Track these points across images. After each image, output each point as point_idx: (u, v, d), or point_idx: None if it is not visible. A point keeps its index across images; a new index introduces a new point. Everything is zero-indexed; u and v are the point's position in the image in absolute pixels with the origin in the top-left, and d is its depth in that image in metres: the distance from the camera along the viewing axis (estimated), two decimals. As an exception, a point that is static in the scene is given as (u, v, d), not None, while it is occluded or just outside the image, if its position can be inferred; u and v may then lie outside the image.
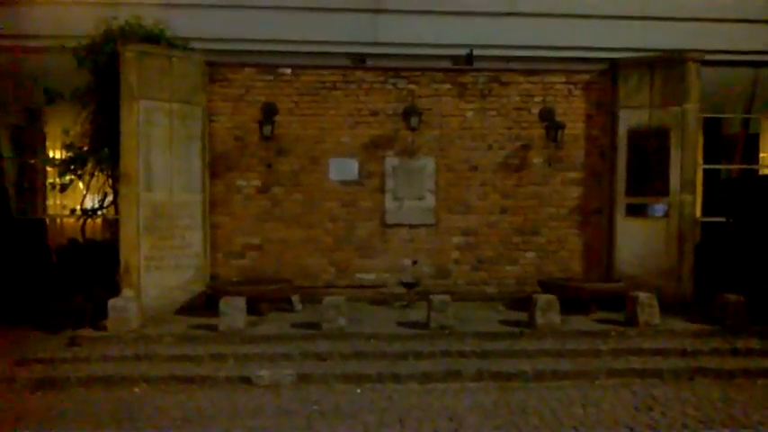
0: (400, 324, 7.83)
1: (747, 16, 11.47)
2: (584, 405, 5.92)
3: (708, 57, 10.12)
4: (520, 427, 5.35)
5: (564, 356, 7.01)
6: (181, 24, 9.24)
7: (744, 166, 12.29)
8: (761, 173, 12.09)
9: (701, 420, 5.54)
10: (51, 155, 11.73)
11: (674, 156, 8.82)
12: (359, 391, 6.32)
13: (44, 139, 12.32)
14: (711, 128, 12.95)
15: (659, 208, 8.97)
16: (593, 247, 9.42)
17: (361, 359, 6.90)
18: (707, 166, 12.73)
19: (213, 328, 7.45)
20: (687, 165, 8.81)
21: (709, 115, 12.57)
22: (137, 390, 6.33)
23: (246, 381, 6.45)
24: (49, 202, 12.34)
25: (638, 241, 9.01)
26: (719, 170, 12.63)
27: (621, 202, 9.15)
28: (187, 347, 7.08)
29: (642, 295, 7.68)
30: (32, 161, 12.03)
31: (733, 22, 11.46)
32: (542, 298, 7.58)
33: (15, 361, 6.86)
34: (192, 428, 5.34)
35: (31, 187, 12.12)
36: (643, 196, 9.01)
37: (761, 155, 12.91)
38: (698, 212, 12.27)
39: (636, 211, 9.07)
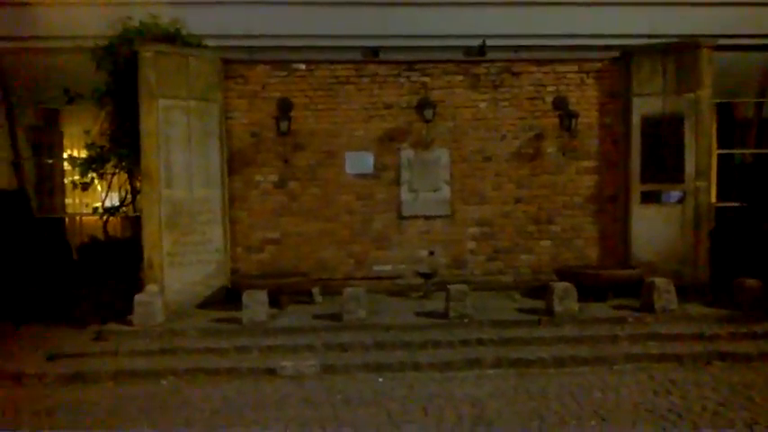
0: (418, 314, 7.95)
1: (758, 0, 11.41)
2: (604, 390, 6.02)
3: (720, 42, 10.12)
4: (541, 412, 5.46)
5: (582, 343, 7.11)
6: (195, 21, 9.29)
7: (758, 151, 12.25)
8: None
9: (721, 403, 5.62)
10: (69, 154, 11.93)
11: (689, 142, 8.84)
12: (381, 380, 6.45)
13: (62, 139, 12.53)
14: (725, 113, 12.90)
15: (675, 195, 9.01)
16: (608, 235, 9.47)
17: (382, 349, 7.03)
18: (721, 151, 12.69)
19: (236, 321, 7.60)
20: (701, 151, 8.83)
21: (722, 100, 12.54)
22: (164, 382, 6.49)
23: (271, 372, 6.60)
24: (68, 200, 12.55)
25: (654, 228, 9.06)
26: (733, 155, 12.61)
27: (636, 189, 9.19)
28: (211, 340, 7.24)
29: (659, 281, 7.74)
30: (51, 161, 12.24)
31: (745, 6, 11.41)
32: (559, 286, 7.66)
33: (46, 356, 7.04)
34: (220, 419, 5.48)
35: (51, 186, 12.33)
36: (658, 183, 9.05)
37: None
38: (712, 198, 12.31)
39: (651, 198, 9.11)
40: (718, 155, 12.69)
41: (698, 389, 6.02)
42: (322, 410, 5.63)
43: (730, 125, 13.00)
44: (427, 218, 9.46)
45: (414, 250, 9.45)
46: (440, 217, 9.46)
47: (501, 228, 9.49)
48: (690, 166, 8.84)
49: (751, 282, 7.75)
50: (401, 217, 9.43)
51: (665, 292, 7.67)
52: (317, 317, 7.86)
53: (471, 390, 6.09)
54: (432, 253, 9.37)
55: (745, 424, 5.14)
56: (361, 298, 7.60)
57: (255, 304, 7.50)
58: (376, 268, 9.43)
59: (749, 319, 7.52)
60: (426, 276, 8.96)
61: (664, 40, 9.43)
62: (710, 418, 5.28)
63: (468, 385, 6.23)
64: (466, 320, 7.50)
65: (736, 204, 10.83)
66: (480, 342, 7.11)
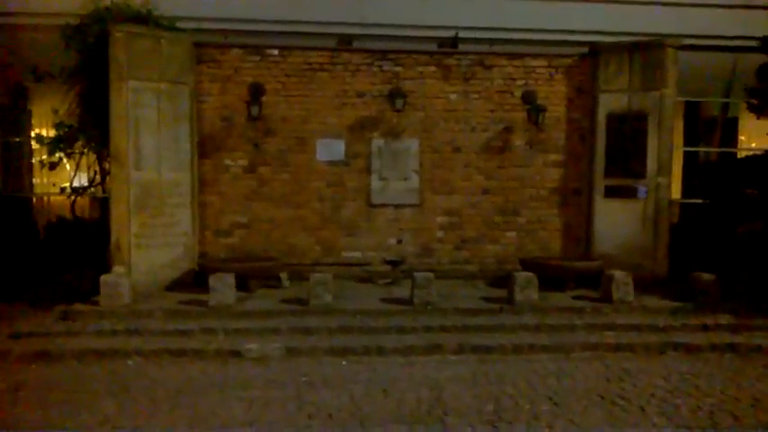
0: (385, 300, 8.10)
1: (726, 2, 11.70)
2: (559, 376, 6.22)
3: (688, 41, 10.38)
4: (497, 396, 5.64)
5: (541, 331, 7.33)
6: (168, 3, 9.26)
7: (723, 150, 12.60)
8: (739, 156, 12.41)
9: (668, 390, 5.86)
10: (37, 133, 11.77)
11: (652, 139, 9.11)
12: (344, 363, 6.58)
13: (30, 118, 12.34)
14: (691, 111, 13.24)
15: (642, 190, 9.25)
16: (572, 227, 9.73)
17: (347, 333, 7.15)
18: (687, 149, 13.04)
19: (203, 303, 7.66)
20: (663, 148, 9.10)
21: (689, 99, 12.86)
22: (130, 362, 6.53)
23: (236, 354, 6.68)
24: (36, 180, 12.38)
25: (616, 222, 9.33)
26: (698, 153, 12.96)
27: (600, 183, 9.45)
28: (178, 322, 7.30)
29: (617, 273, 8.00)
30: (18, 139, 12.05)
31: (712, 8, 11.71)
32: (521, 275, 7.87)
33: (9, 334, 7.03)
34: (185, 399, 5.55)
35: (18, 166, 12.15)
36: (621, 178, 9.29)
37: (740, 138, 13.23)
38: (678, 194, 12.65)
39: (614, 192, 9.35)
40: (685, 152, 13.05)
41: (649, 377, 6.25)
42: (285, 391, 5.74)
43: (696, 124, 13.35)
44: (396, 206, 9.60)
45: (383, 238, 9.60)
46: (409, 206, 9.61)
47: (468, 218, 9.68)
48: (652, 163, 9.11)
49: (705, 275, 8.04)
50: (371, 205, 9.56)
51: (622, 283, 7.93)
52: (283, 301, 7.96)
53: (432, 374, 6.25)
54: (400, 241, 9.53)
55: (689, 409, 5.39)
56: (327, 283, 7.71)
57: (223, 287, 7.57)
58: (345, 255, 9.55)
59: (702, 311, 7.81)
60: (394, 264, 9.11)
61: (633, 38, 9.65)
62: (657, 404, 5.51)
63: (430, 370, 6.39)
64: (430, 307, 7.68)
65: (700, 201, 11.14)
66: (443, 328, 7.28)
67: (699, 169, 12.61)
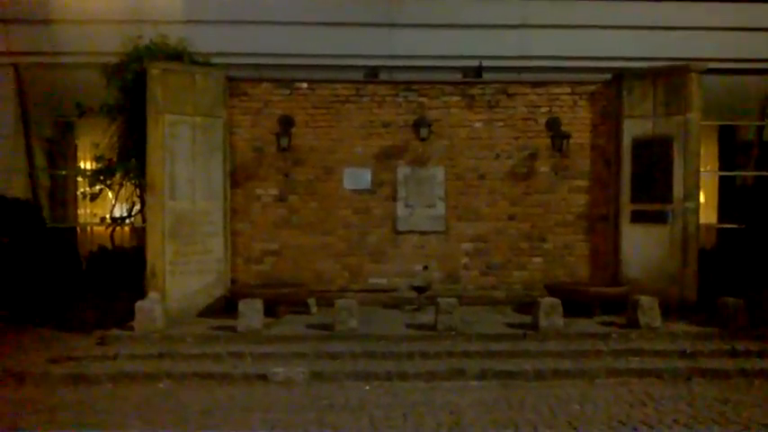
0: (409, 326, 8.20)
1: (756, 25, 11.66)
2: (582, 402, 6.22)
3: (719, 65, 10.40)
4: (516, 421, 5.68)
5: (565, 357, 7.31)
6: (202, 40, 9.73)
7: (759, 173, 12.42)
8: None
9: (693, 416, 5.81)
10: (82, 166, 12.37)
11: (677, 164, 9.05)
12: (367, 388, 6.68)
13: (75, 151, 12.98)
14: (726, 135, 13.14)
15: (667, 213, 9.20)
16: (599, 253, 9.68)
17: (371, 358, 7.27)
18: (723, 173, 12.91)
19: (232, 328, 7.88)
20: (690, 173, 9.02)
21: (723, 123, 12.78)
22: (161, 385, 6.78)
23: (263, 378, 6.87)
24: (80, 211, 12.97)
25: (643, 247, 9.26)
26: (735, 177, 12.79)
27: (626, 209, 9.41)
28: (208, 346, 7.53)
29: (644, 299, 7.94)
30: (64, 172, 12.67)
31: (744, 31, 11.68)
32: (546, 301, 7.88)
33: (49, 358, 7.37)
34: (211, 420, 5.76)
35: (64, 197, 12.76)
36: (647, 203, 9.25)
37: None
38: (714, 219, 12.50)
39: (641, 217, 9.31)
40: (720, 177, 12.90)
41: (674, 403, 6.20)
42: (307, 415, 5.88)
43: (732, 148, 13.21)
44: (422, 233, 9.73)
45: (409, 264, 9.71)
46: (434, 232, 9.73)
47: (494, 244, 9.73)
48: (678, 187, 9.04)
49: (733, 300, 7.92)
50: (397, 232, 9.71)
51: (649, 309, 7.86)
52: (310, 326, 8.14)
53: (453, 399, 6.31)
54: (426, 267, 9.62)
55: (711, 436, 5.35)
56: (353, 309, 7.86)
57: (251, 312, 7.79)
58: (371, 281, 9.70)
59: (730, 336, 7.69)
60: (419, 290, 9.21)
61: (662, 63, 9.66)
62: (680, 430, 5.48)
63: (452, 395, 6.45)
64: (453, 333, 7.74)
65: (736, 226, 11.00)
66: (466, 354, 7.33)
67: (735, 193, 12.43)
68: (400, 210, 9.68)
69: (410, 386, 6.73)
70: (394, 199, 9.69)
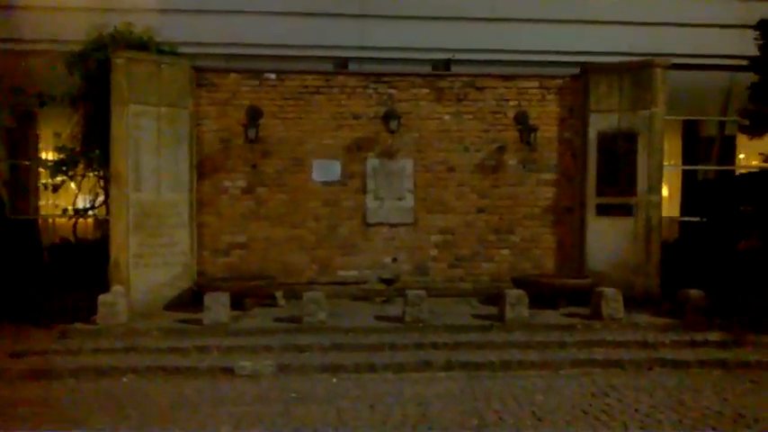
0: (378, 318, 8.22)
1: (721, 21, 11.88)
2: (546, 392, 6.31)
3: (684, 61, 10.57)
4: (481, 412, 5.74)
5: (531, 348, 7.41)
6: (169, 29, 9.55)
7: (721, 168, 12.70)
8: (737, 173, 12.50)
9: (653, 406, 5.93)
10: (44, 156, 12.07)
11: (642, 158, 9.22)
12: (335, 380, 6.70)
13: (37, 142, 12.64)
14: (690, 130, 13.37)
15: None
16: (565, 245, 9.82)
17: (339, 351, 7.27)
18: (686, 167, 13.15)
19: (199, 322, 7.80)
20: (654, 167, 9.20)
21: (686, 117, 13.00)
22: (125, 380, 6.69)
23: (229, 371, 6.81)
24: (42, 202, 12.65)
25: (608, 239, 9.42)
26: (697, 171, 13.06)
27: (592, 201, 9.55)
28: (173, 340, 7.45)
29: (607, 290, 8.08)
30: (26, 162, 12.35)
31: (707, 27, 11.88)
32: (512, 293, 7.97)
33: (9, 353, 7.21)
34: (176, 415, 5.69)
35: (25, 188, 12.43)
36: (612, 197, 9.40)
37: (739, 156, 13.33)
38: (677, 212, 12.74)
39: (606, 210, 9.46)
40: (683, 171, 13.15)
41: (635, 392, 6.33)
42: (274, 407, 5.86)
43: (695, 142, 13.47)
44: (392, 225, 9.75)
45: (378, 256, 9.73)
46: (404, 225, 9.75)
47: (462, 236, 9.80)
48: (642, 181, 9.22)
49: (694, 292, 8.10)
50: (366, 224, 9.71)
51: (612, 300, 8.00)
52: (277, 319, 8.10)
53: (421, 390, 6.35)
54: (395, 259, 9.66)
55: (671, 423, 5.46)
56: (321, 301, 7.85)
57: (217, 306, 7.72)
58: (341, 273, 9.68)
59: (691, 327, 7.87)
60: (388, 282, 9.23)
61: (626, 58, 9.81)
62: (640, 419, 5.59)
63: (419, 386, 6.49)
64: (421, 325, 7.79)
65: (698, 219, 11.23)
66: (434, 345, 7.38)
67: (698, 187, 12.69)
68: (370, 202, 9.68)
69: (378, 378, 6.75)
70: (363, 191, 9.69)
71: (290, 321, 7.96)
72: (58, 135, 9.62)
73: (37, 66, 10.73)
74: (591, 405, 5.95)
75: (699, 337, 7.66)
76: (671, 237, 11.56)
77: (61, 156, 9.44)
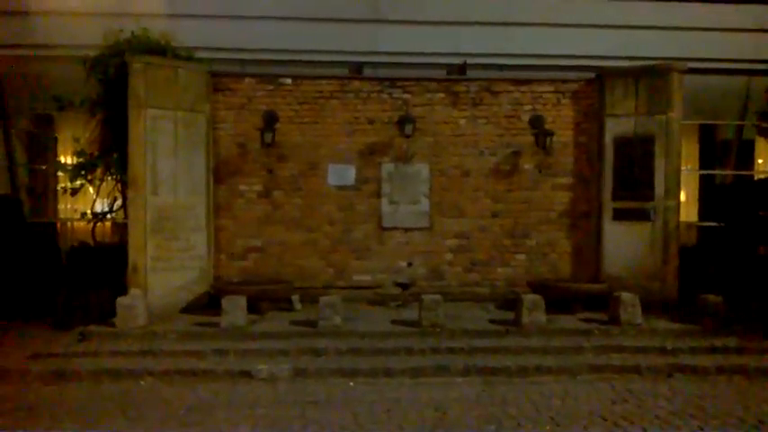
0: (394, 322, 8.22)
1: (738, 25, 11.81)
2: (563, 398, 6.27)
3: (701, 65, 10.50)
4: (499, 417, 5.71)
5: (548, 353, 7.36)
6: (185, 34, 9.63)
7: (739, 172, 12.59)
8: (755, 178, 12.39)
9: (672, 412, 5.88)
10: (63, 161, 12.20)
11: (659, 162, 9.15)
12: (351, 384, 6.69)
13: (56, 146, 12.80)
14: (707, 134, 13.28)
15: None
16: (581, 250, 9.76)
17: (355, 355, 7.27)
18: (703, 172, 13.05)
19: (215, 325, 7.85)
20: (671, 171, 9.13)
21: (704, 122, 12.92)
22: (142, 382, 6.72)
23: (246, 374, 6.83)
24: (61, 206, 12.79)
25: (625, 244, 9.34)
26: (715, 176, 12.95)
27: (609, 206, 9.49)
28: (190, 343, 7.49)
29: (625, 295, 8.02)
30: (44, 167, 12.50)
31: (725, 31, 11.82)
32: (528, 298, 7.94)
33: (29, 355, 7.27)
34: (193, 417, 5.72)
35: (44, 192, 12.57)
36: (629, 201, 9.34)
37: (757, 161, 13.22)
38: (694, 217, 12.65)
39: (622, 215, 9.40)
40: (701, 175, 13.05)
41: (654, 399, 6.27)
42: (291, 411, 5.87)
43: (713, 146, 13.37)
44: (407, 230, 9.74)
45: (393, 261, 9.72)
46: (419, 229, 9.74)
47: (478, 241, 9.77)
48: (659, 186, 9.15)
49: (712, 298, 8.02)
50: (381, 228, 9.71)
51: (630, 306, 7.95)
52: (294, 323, 8.12)
53: (438, 395, 6.33)
54: (410, 264, 9.66)
55: (690, 430, 5.41)
56: (336, 305, 7.86)
57: (234, 309, 7.75)
58: (356, 277, 9.69)
59: (710, 333, 7.79)
60: (403, 286, 9.24)
61: (643, 63, 9.75)
62: (660, 425, 5.55)
63: (436, 391, 6.47)
64: (438, 329, 7.77)
65: (716, 224, 11.14)
66: (450, 350, 7.36)
67: (715, 192, 12.60)
68: (385, 206, 9.69)
69: (395, 382, 6.74)
70: (378, 195, 9.69)
71: (307, 325, 7.98)
72: (76, 139, 9.69)
73: (55, 71, 10.86)
74: (609, 411, 5.89)
75: (718, 343, 7.59)
76: (689, 242, 11.47)
77: (80, 160, 9.54)
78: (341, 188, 9.68)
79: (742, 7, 11.86)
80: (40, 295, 9.32)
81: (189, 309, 8.90)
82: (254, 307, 8.34)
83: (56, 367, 6.87)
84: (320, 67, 10.54)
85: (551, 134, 9.44)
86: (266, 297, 8.74)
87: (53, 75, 10.82)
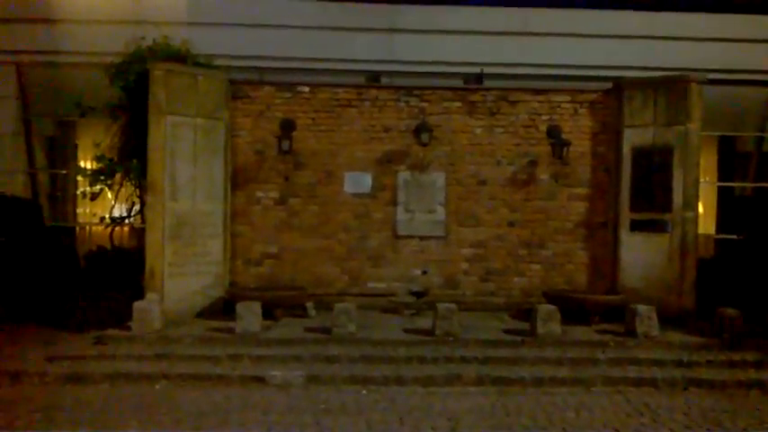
0: (407, 331, 8.21)
1: (757, 36, 11.73)
2: (578, 409, 6.22)
3: (720, 76, 10.42)
4: (513, 427, 5.69)
5: (562, 364, 7.31)
6: (205, 42, 9.78)
7: (758, 185, 12.45)
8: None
9: (688, 426, 5.82)
10: (82, 165, 12.38)
11: (677, 173, 9.08)
12: (364, 392, 6.69)
13: (76, 151, 12.99)
14: (726, 146, 13.16)
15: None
16: (597, 261, 9.70)
17: (369, 363, 7.27)
18: (721, 184, 12.93)
19: (230, 330, 7.88)
20: (689, 182, 9.05)
21: (722, 133, 12.80)
22: (157, 386, 6.77)
23: (260, 380, 6.86)
24: (79, 210, 12.96)
25: (642, 256, 9.27)
26: (734, 188, 12.82)
27: (626, 217, 9.43)
28: (205, 348, 7.53)
29: (641, 307, 7.95)
30: (64, 171, 12.68)
31: (744, 42, 11.74)
32: (543, 308, 7.90)
33: (46, 357, 7.35)
34: (208, 422, 5.75)
35: (63, 196, 12.76)
36: (647, 212, 9.27)
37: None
38: (712, 229, 12.52)
39: (640, 226, 9.33)
40: (719, 187, 12.92)
41: (670, 412, 6.20)
42: (304, 417, 5.89)
43: (731, 158, 13.24)
44: (422, 238, 9.74)
45: (408, 269, 9.72)
46: (434, 237, 9.74)
47: (494, 250, 9.75)
48: (678, 197, 9.07)
49: (731, 311, 7.92)
50: (396, 236, 9.73)
51: (647, 318, 7.87)
52: (308, 330, 8.14)
53: (451, 404, 6.31)
54: (425, 272, 9.65)
55: (707, 445, 5.36)
56: (350, 312, 7.87)
57: (249, 315, 7.79)
58: (371, 285, 9.70)
59: (728, 347, 7.69)
60: (418, 295, 9.22)
61: (662, 73, 9.70)
62: (675, 439, 5.49)
63: (449, 400, 6.45)
64: (451, 338, 7.75)
65: (735, 236, 11.02)
66: (464, 360, 7.34)
67: (734, 204, 12.46)
68: (400, 214, 9.70)
69: (408, 391, 6.72)
70: (394, 203, 9.71)
71: (321, 332, 7.99)
72: (96, 145, 9.83)
73: (76, 77, 11.05)
74: (624, 424, 5.85)
75: (736, 356, 7.49)
76: (706, 254, 11.34)
77: (100, 165, 9.67)
78: (357, 196, 9.72)
79: (762, 18, 11.77)
80: (57, 299, 9.42)
81: (204, 314, 8.96)
82: (268, 313, 8.38)
83: (73, 370, 6.95)
84: (337, 76, 10.61)
85: (568, 144, 9.41)
86: (281, 303, 8.77)
87: (75, 81, 11.02)
